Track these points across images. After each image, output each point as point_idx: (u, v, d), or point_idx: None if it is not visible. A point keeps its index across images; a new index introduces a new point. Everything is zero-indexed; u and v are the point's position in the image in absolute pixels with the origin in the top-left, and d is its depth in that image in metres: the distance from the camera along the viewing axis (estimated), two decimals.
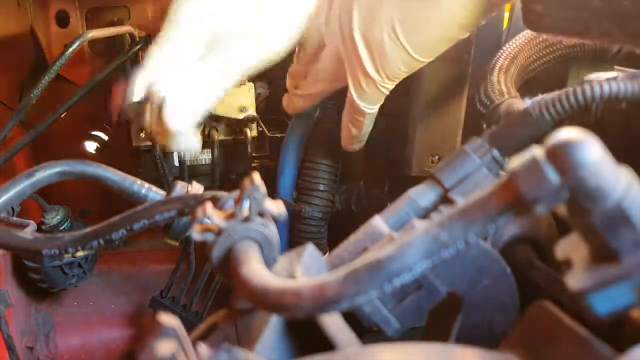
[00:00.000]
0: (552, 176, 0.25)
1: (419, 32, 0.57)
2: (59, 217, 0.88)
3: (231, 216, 0.35)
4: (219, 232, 0.35)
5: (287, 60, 0.77)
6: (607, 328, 0.29)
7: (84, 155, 1.05)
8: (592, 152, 0.24)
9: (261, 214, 0.35)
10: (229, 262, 0.34)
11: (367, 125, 0.69)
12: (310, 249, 0.39)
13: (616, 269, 0.26)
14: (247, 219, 0.35)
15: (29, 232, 0.45)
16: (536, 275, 0.44)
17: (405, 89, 0.65)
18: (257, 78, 0.93)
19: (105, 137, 1.06)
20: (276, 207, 0.36)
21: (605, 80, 0.43)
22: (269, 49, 0.60)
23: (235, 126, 0.88)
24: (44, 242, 0.43)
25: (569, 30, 0.50)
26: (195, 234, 0.35)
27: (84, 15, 0.97)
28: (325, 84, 0.72)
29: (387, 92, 0.64)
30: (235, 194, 0.37)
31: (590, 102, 0.44)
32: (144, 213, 0.43)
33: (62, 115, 0.81)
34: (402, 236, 0.39)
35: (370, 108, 0.66)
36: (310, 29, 0.70)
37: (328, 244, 0.86)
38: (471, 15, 0.56)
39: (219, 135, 0.87)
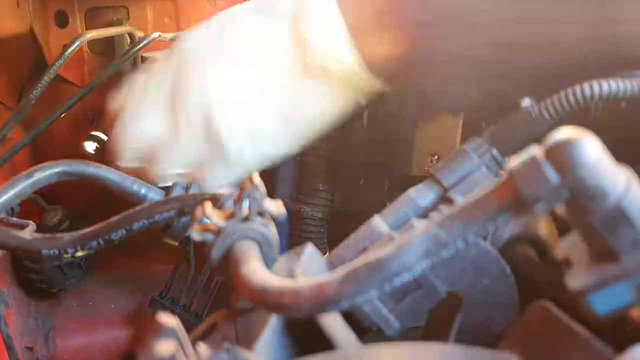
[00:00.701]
0: (552, 175, 0.25)
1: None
2: (58, 217, 0.88)
3: (231, 216, 0.35)
4: (218, 232, 0.35)
5: None
6: (607, 327, 0.29)
7: (84, 156, 1.05)
8: (591, 151, 0.24)
9: (260, 214, 0.35)
10: (229, 262, 0.34)
11: None
12: (309, 248, 0.39)
13: (616, 268, 0.26)
14: (246, 219, 0.35)
15: (28, 232, 0.45)
16: (536, 275, 0.44)
17: (405, 88, 0.65)
18: None
19: (105, 137, 1.06)
20: (275, 206, 0.36)
21: (605, 80, 0.43)
22: None
23: None
24: (43, 243, 0.43)
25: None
26: (195, 233, 0.35)
27: (83, 16, 0.97)
28: None
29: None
30: (235, 193, 0.37)
31: (590, 101, 0.44)
32: (144, 213, 0.43)
33: (62, 116, 0.81)
34: (402, 236, 0.39)
35: None
36: None
37: (328, 243, 0.86)
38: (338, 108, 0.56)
39: None
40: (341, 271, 0.28)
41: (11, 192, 0.46)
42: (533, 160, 0.25)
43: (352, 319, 0.37)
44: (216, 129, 0.54)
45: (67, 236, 0.43)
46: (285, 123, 0.56)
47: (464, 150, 0.45)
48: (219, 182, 0.59)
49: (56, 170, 0.48)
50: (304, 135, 0.58)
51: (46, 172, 0.47)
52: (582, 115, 0.46)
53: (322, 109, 0.57)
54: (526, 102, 0.45)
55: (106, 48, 0.98)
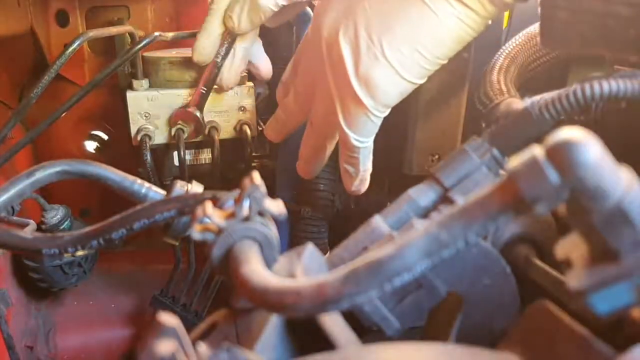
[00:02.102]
0: (552, 176, 0.25)
1: (409, 51, 0.55)
2: (58, 216, 0.88)
3: (231, 216, 0.35)
4: (218, 232, 0.35)
5: (287, 61, 0.77)
6: (607, 327, 0.29)
7: (84, 155, 1.05)
8: (592, 151, 0.24)
9: (261, 214, 0.35)
10: (229, 261, 0.34)
11: (364, 162, 0.65)
12: (310, 248, 0.39)
13: (616, 268, 0.26)
14: (247, 219, 0.35)
15: (29, 231, 0.45)
16: (536, 275, 0.44)
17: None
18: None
19: (105, 137, 1.06)
20: (276, 206, 0.36)
21: (605, 80, 0.43)
22: None
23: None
24: (43, 242, 0.43)
25: (590, 41, 0.47)
26: (195, 233, 0.35)
27: (84, 15, 0.97)
28: (296, 110, 0.69)
29: (378, 122, 0.60)
30: (235, 193, 0.37)
31: (590, 101, 0.44)
32: (144, 212, 0.43)
33: (62, 115, 0.81)
34: (402, 236, 0.39)
35: (362, 141, 0.61)
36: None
37: (328, 244, 0.86)
38: (467, 27, 0.54)
39: (219, 135, 0.87)
40: (341, 271, 0.28)
41: (12, 191, 0.46)
42: (534, 160, 0.25)
43: (352, 319, 0.37)
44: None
45: (67, 235, 0.43)
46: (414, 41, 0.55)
47: (464, 150, 0.45)
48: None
49: (56, 169, 0.48)
50: (424, 65, 0.56)
51: (46, 172, 0.47)
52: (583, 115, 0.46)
53: (450, 32, 0.54)
54: (527, 101, 0.45)
55: (107, 47, 0.98)
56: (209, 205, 0.36)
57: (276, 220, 0.37)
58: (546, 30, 0.49)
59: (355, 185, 0.68)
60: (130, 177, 0.50)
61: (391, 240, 0.40)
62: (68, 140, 1.04)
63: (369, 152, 0.64)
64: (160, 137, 0.86)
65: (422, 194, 0.45)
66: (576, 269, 0.27)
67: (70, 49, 0.75)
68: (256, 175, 0.36)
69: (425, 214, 0.44)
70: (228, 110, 0.87)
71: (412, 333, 0.39)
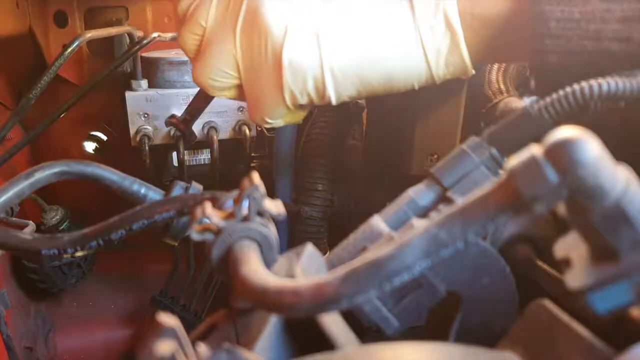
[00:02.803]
0: (551, 175, 0.25)
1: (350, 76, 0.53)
2: (58, 217, 0.88)
3: (230, 216, 0.35)
4: (218, 232, 0.35)
5: None
6: (607, 327, 0.29)
7: (83, 156, 1.05)
8: (591, 150, 0.24)
9: (260, 214, 0.36)
10: (228, 262, 0.34)
11: None
12: (309, 248, 0.39)
13: (615, 267, 0.26)
14: (246, 219, 0.35)
15: (28, 232, 0.45)
16: (535, 274, 0.44)
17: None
18: None
19: (104, 137, 1.06)
20: (275, 206, 0.36)
21: (604, 79, 0.43)
22: None
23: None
24: (43, 243, 0.43)
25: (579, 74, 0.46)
26: (195, 233, 0.35)
27: (83, 16, 0.97)
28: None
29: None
30: (235, 193, 0.37)
31: (590, 101, 0.44)
32: (143, 213, 0.43)
33: (61, 116, 0.81)
34: (402, 235, 0.39)
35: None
36: None
37: (328, 244, 0.86)
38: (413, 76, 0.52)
39: (218, 136, 0.87)
40: (341, 271, 0.28)
41: (10, 192, 0.46)
42: (532, 160, 0.25)
43: (352, 319, 0.37)
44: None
45: (66, 236, 0.43)
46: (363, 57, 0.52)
47: (463, 150, 0.45)
48: (273, 116, 0.56)
49: (55, 170, 0.48)
50: (371, 82, 0.54)
51: (45, 172, 0.47)
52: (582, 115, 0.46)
53: (406, 61, 0.52)
54: (526, 101, 0.45)
55: (106, 48, 0.98)
56: (208, 206, 0.36)
57: (275, 220, 0.37)
58: (539, 75, 0.48)
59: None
60: (130, 178, 0.50)
61: (391, 240, 0.40)
62: (67, 141, 1.04)
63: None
64: (159, 138, 0.86)
65: (421, 194, 0.45)
66: (575, 268, 0.27)
67: (69, 49, 0.75)
68: (255, 176, 0.36)
69: (424, 213, 0.44)
70: (227, 110, 0.87)
71: (412, 333, 0.39)
